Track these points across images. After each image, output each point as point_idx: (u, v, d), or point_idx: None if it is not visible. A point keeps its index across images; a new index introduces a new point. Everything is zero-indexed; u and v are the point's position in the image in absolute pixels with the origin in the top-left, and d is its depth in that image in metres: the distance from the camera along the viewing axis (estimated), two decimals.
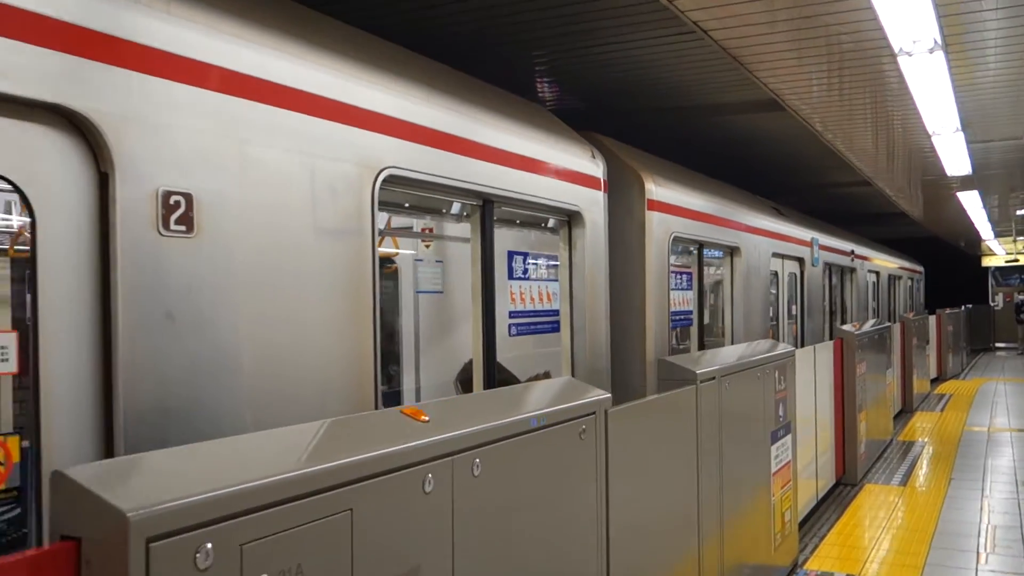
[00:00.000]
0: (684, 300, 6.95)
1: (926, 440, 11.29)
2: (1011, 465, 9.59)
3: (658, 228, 6.12)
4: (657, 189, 6.16)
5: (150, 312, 2.43)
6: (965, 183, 11.91)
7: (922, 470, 9.40)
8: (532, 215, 4.90)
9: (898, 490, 8.55)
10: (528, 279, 4.92)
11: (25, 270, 2.92)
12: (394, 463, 2.10)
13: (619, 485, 3.26)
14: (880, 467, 9.64)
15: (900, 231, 22.83)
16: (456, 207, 4.52)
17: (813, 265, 10.93)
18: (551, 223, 5.11)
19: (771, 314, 9.38)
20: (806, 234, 10.74)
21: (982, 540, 6.75)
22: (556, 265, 5.14)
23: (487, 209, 4.24)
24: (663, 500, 3.85)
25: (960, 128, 7.51)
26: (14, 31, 2.11)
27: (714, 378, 4.46)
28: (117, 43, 2.37)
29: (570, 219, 5.09)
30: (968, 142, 8.17)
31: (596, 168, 5.31)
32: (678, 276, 6.76)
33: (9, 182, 2.17)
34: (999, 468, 9.40)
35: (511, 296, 4.74)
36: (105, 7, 2.34)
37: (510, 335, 4.69)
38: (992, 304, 31.71)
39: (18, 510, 2.76)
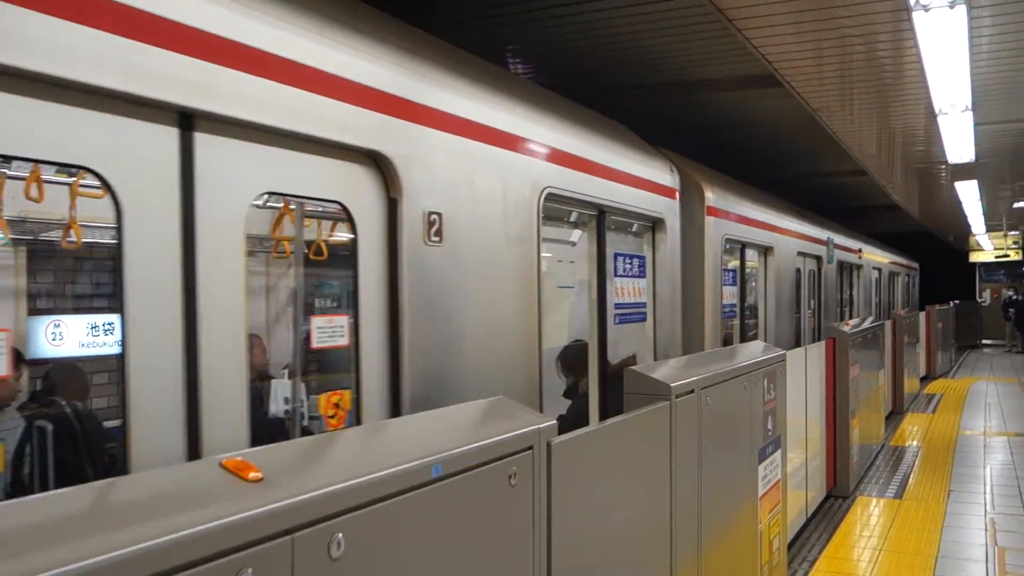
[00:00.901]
0: (730, 294, 7.76)
1: (919, 445, 10.61)
2: (1013, 475, 8.90)
3: (714, 231, 7.00)
4: (713, 197, 7.01)
5: (420, 301, 3.25)
6: (963, 172, 11.21)
7: (917, 480, 8.70)
8: (625, 221, 5.70)
9: (893, 504, 7.84)
10: (626, 276, 5.64)
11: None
12: (176, 558, 1.31)
13: (567, 541, 2.49)
14: (872, 476, 8.93)
15: (890, 225, 22.23)
16: (574, 216, 5.30)
17: (828, 262, 11.76)
18: (634, 227, 5.93)
19: (795, 307, 10.20)
20: (823, 234, 11.51)
21: (991, 567, 6.04)
22: (643, 264, 5.95)
23: (601, 218, 5.12)
24: (627, 547, 3.08)
25: (970, 107, 6.77)
26: (350, 97, 2.98)
27: (693, 391, 3.69)
28: (403, 102, 3.24)
29: (654, 225, 5.97)
30: (975, 124, 7.43)
31: (673, 180, 6.24)
32: (725, 273, 7.48)
33: (343, 207, 3.01)
34: (1000, 478, 8.72)
35: (616, 291, 5.48)
36: (398, 78, 3.23)
37: (615, 323, 5.44)
38: (979, 300, 31.20)
39: None
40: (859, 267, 14.88)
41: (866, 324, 9.77)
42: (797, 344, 9.93)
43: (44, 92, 2.09)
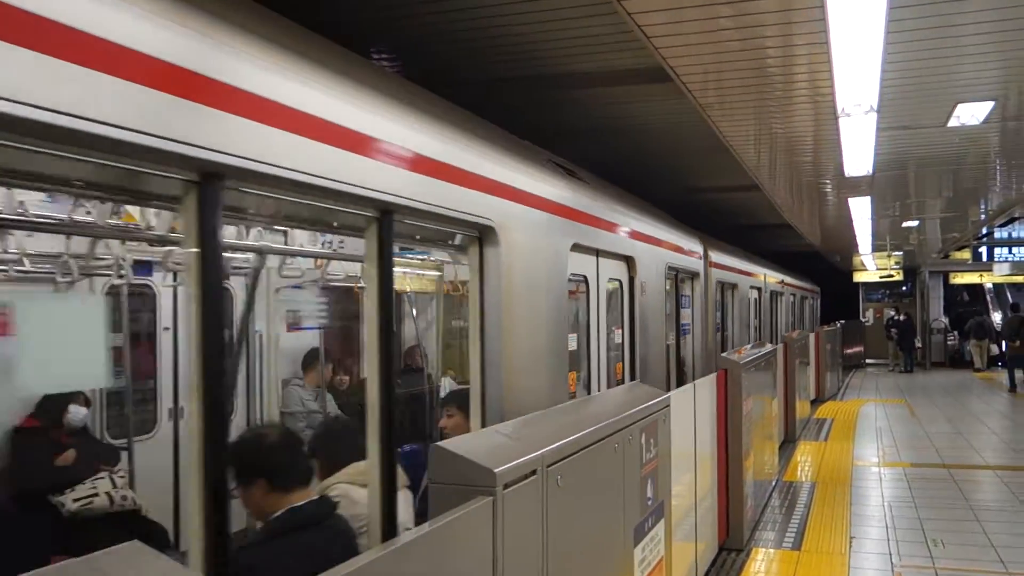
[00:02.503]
0: (717, 317, 11.07)
1: (814, 481, 9.84)
2: (915, 515, 8.16)
3: (713, 277, 10.32)
4: (713, 254, 10.35)
5: (639, 323, 6.61)
6: (857, 188, 10.60)
7: (815, 524, 7.85)
8: (684, 275, 9.08)
9: (791, 556, 6.93)
10: (683, 307, 9.15)
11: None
12: None
13: None
14: (768, 521, 8.04)
15: (781, 244, 21.97)
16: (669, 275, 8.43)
17: (764, 292, 15.77)
18: (681, 277, 8.98)
19: (748, 325, 13.94)
20: (761, 271, 15.55)
21: None
22: (689, 300, 9.58)
23: (677, 275, 8.61)
24: None
25: (875, 108, 5.94)
26: (625, 232, 6.40)
27: (535, 472, 2.55)
28: (638, 232, 6.72)
29: (692, 276, 9.46)
30: (879, 128, 6.64)
31: (700, 247, 9.75)
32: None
33: (619, 281, 6.51)
34: (902, 520, 7.95)
35: (681, 316, 9.13)
36: (634, 221, 6.78)
37: (682, 335, 9.13)
38: (863, 320, 31.55)
39: None
40: (781, 294, 18.56)
41: (759, 351, 8.98)
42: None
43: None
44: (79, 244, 4.47)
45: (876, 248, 20.46)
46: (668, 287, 8.17)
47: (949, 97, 5.87)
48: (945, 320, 29.43)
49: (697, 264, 9.42)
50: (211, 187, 2.16)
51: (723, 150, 8.22)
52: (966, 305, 31.06)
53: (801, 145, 7.74)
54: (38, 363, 3.50)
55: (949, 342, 28.40)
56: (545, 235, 4.60)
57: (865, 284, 31.48)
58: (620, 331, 6.59)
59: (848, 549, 7.09)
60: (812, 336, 17.10)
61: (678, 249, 8.37)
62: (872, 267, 26.96)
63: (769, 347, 10.49)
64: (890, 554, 6.95)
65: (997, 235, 17.20)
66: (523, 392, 4.07)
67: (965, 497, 8.95)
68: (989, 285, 30.10)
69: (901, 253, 22.16)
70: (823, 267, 28.35)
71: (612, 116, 7.89)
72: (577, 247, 5.17)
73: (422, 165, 3.27)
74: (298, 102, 2.48)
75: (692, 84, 5.54)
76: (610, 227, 5.98)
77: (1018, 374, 19.83)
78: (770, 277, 16.66)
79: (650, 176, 11.05)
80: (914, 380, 23.64)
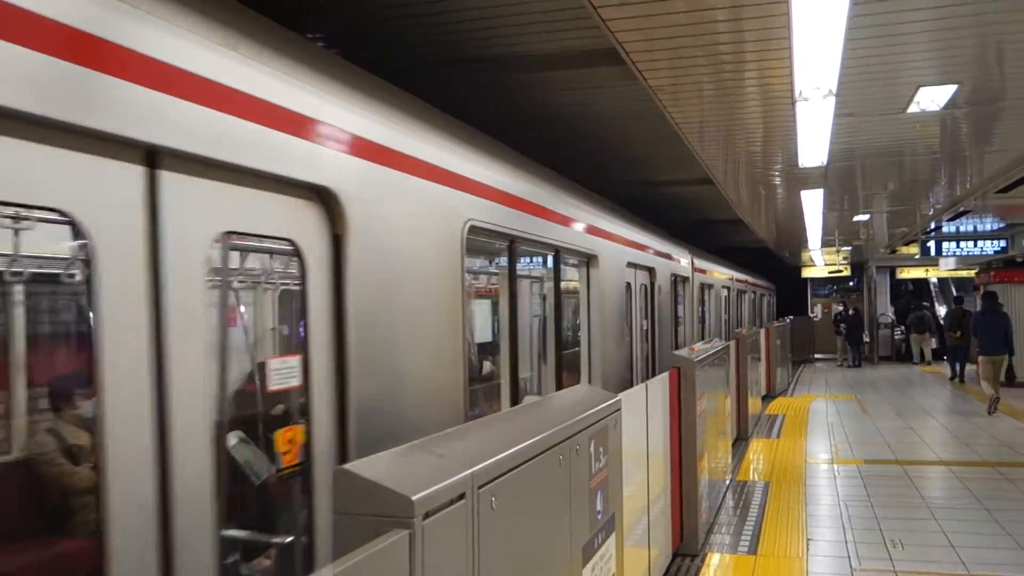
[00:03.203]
0: (700, 312, 14.08)
1: (768, 480, 9.59)
2: (871, 514, 7.94)
3: (696, 280, 13.16)
4: (697, 261, 13.21)
5: (659, 315, 10.03)
6: (810, 180, 10.40)
7: (771, 527, 7.58)
8: (679, 280, 11.74)
9: (747, 562, 6.64)
10: (678, 304, 11.73)
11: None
12: None
13: None
14: (722, 523, 7.76)
15: (731, 239, 21.88)
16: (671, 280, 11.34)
17: (732, 291, 18.61)
18: (676, 281, 11.49)
19: (720, 318, 16.88)
20: (731, 272, 18.34)
21: None
22: (682, 299, 12.29)
23: (675, 280, 11.17)
24: None
25: (834, 91, 5.66)
26: (638, 246, 8.89)
27: (463, 495, 2.16)
28: (660, 253, 10.15)
29: (684, 280, 12.24)
30: (835, 114, 6.37)
31: (689, 257, 12.61)
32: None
33: (644, 285, 9.62)
34: (859, 521, 7.73)
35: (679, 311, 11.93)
36: (659, 246, 10.34)
37: (678, 325, 11.74)
38: (811, 315, 31.74)
39: None
40: (745, 292, 21.67)
41: (705, 350, 8.71)
42: (729, 332, 17.38)
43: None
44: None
45: (825, 243, 20.46)
46: (671, 289, 10.80)
47: (911, 80, 5.61)
48: (891, 314, 29.73)
49: (687, 270, 12.37)
50: (514, 245, 5.02)
51: (676, 139, 7.91)
52: (909, 295, 31.45)
53: (756, 133, 7.46)
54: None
55: (896, 336, 28.65)
56: (617, 258, 7.55)
57: (813, 280, 31.76)
58: (646, 321, 9.21)
59: (805, 552, 6.82)
60: (763, 332, 16.98)
61: (677, 260, 11.29)
62: (820, 262, 27.11)
63: (721, 343, 10.23)
64: (848, 556, 6.70)
65: (945, 230, 17.23)
66: (607, 357, 7.00)
67: (921, 495, 8.78)
68: (934, 279, 30.49)
69: (850, 248, 22.22)
70: (773, 264, 28.45)
71: (564, 103, 7.53)
72: (629, 264, 8.03)
73: (570, 222, 6.06)
74: (541, 199, 5.29)
75: (641, 63, 5.19)
76: (644, 248, 8.83)
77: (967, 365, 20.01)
78: (736, 278, 19.70)
79: (602, 166, 10.73)
80: (862, 374, 23.76)
